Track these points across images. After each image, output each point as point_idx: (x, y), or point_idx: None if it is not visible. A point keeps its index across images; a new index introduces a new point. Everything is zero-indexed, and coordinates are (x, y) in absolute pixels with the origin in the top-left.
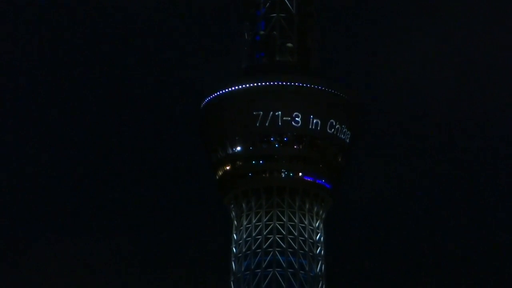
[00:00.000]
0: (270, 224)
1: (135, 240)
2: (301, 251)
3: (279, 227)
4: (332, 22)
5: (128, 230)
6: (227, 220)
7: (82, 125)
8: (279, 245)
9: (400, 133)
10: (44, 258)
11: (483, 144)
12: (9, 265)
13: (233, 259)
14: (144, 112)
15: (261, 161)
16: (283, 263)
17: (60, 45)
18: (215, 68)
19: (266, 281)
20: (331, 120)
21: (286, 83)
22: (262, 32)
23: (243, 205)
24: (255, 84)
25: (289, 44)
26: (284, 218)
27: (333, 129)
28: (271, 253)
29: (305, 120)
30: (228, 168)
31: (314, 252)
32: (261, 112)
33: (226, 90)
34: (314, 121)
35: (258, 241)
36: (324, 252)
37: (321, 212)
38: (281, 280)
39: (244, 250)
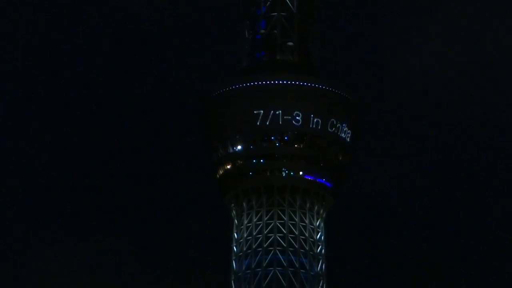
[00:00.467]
0: (271, 223)
1: (135, 240)
2: (301, 250)
3: (280, 226)
4: (333, 20)
5: (128, 230)
6: (227, 219)
7: (82, 125)
8: (279, 244)
9: (400, 133)
10: (44, 258)
11: (483, 144)
12: (9, 265)
13: (233, 258)
14: (144, 112)
15: (261, 160)
16: (283, 262)
17: (60, 44)
18: (216, 67)
19: (267, 280)
20: (332, 119)
21: (287, 82)
22: (262, 31)
23: (244, 204)
24: (256, 83)
25: (290, 43)
26: (284, 217)
27: (334, 128)
28: (272, 252)
29: (306, 119)
30: (228, 167)
31: (315, 251)
32: (262, 111)
33: (227, 89)
34: (315, 120)
35: (259, 240)
36: (324, 251)
37: (321, 211)
38: (281, 279)
39: (244, 249)
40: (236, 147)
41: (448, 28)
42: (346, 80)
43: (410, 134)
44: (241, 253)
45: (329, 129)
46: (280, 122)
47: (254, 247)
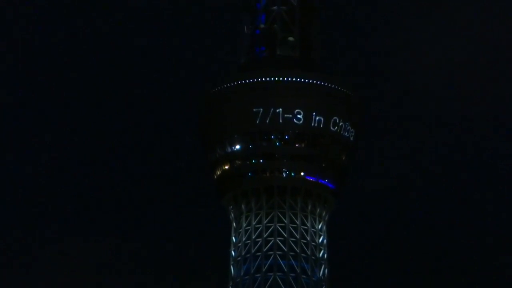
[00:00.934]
0: (271, 226)
1: (134, 241)
2: (303, 255)
3: (280, 229)
4: (335, 15)
5: (128, 230)
6: (225, 221)
7: (82, 125)
8: (280, 248)
9: (400, 132)
10: (44, 258)
11: (484, 144)
12: (9, 265)
13: (232, 263)
14: (143, 112)
15: (261, 160)
16: (284, 267)
17: (60, 44)
18: (214, 63)
19: (267, 286)
20: (335, 117)
21: (288, 78)
22: (262, 26)
23: (243, 206)
24: (255, 80)
25: (291, 38)
26: (285, 219)
27: (336, 127)
28: (272, 256)
29: (307, 117)
30: (227, 167)
31: (317, 255)
32: (261, 109)
33: (225, 86)
34: (317, 118)
35: (258, 244)
36: (327, 255)
37: (324, 213)
38: (282, 285)
39: (243, 253)
40: (235, 146)
41: (448, 28)
42: (348, 76)
43: (410, 134)
44: (239, 258)
45: (331, 128)
46: (280, 121)
47: (253, 251)
